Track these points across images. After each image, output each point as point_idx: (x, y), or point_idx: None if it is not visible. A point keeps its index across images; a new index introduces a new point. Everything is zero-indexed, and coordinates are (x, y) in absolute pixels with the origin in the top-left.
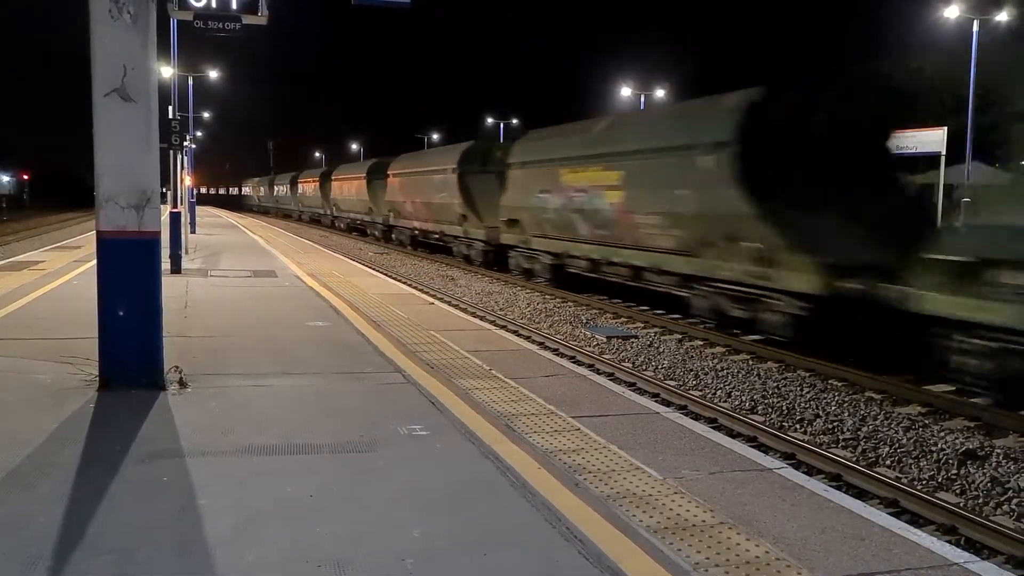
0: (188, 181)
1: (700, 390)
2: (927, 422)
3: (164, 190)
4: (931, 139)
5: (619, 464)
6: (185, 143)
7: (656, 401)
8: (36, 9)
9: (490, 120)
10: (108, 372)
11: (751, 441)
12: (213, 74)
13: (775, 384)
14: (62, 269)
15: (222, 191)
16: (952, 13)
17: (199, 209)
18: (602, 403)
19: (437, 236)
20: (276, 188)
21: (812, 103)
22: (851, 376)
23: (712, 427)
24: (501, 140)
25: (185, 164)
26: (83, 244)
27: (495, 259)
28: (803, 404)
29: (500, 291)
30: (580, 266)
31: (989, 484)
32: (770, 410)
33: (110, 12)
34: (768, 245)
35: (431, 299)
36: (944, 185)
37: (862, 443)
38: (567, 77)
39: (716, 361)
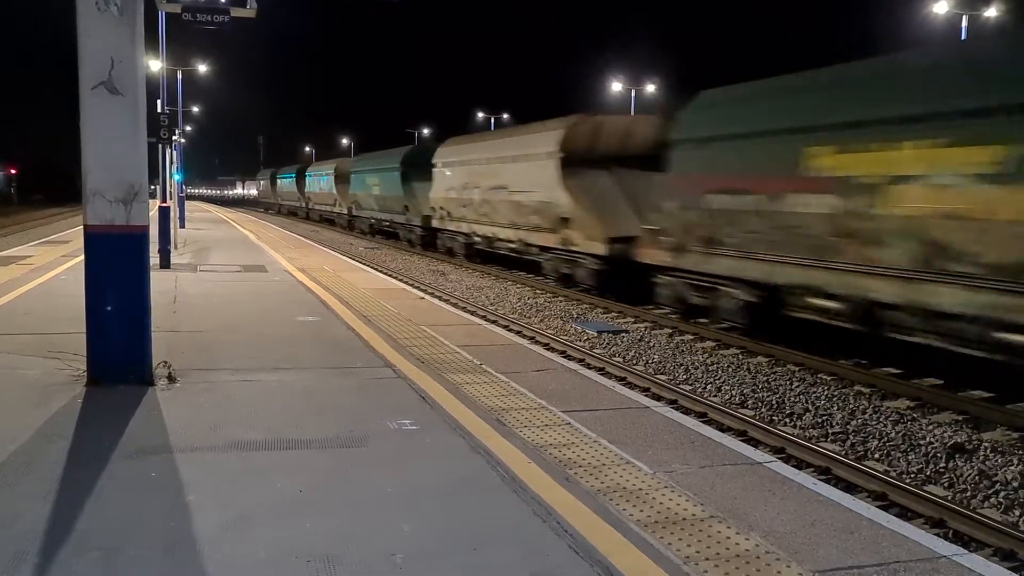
0: (177, 176)
1: (690, 384)
2: (915, 416)
3: (153, 186)
4: None
5: (609, 458)
6: (174, 137)
7: (646, 395)
8: (23, 2)
9: (480, 115)
10: (96, 367)
11: (741, 435)
12: (202, 68)
13: (765, 378)
14: (50, 264)
15: (215, 188)
16: (941, 8)
17: (188, 204)
18: (593, 398)
19: (515, 246)
20: (279, 183)
21: None
22: (840, 370)
23: (702, 421)
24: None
25: (174, 159)
26: (71, 239)
27: (621, 284)
28: (793, 398)
29: (491, 286)
30: (830, 311)
31: (977, 477)
32: (760, 404)
33: (96, 5)
34: None
35: (421, 294)
36: None
37: (851, 437)
38: (557, 73)
39: (706, 356)
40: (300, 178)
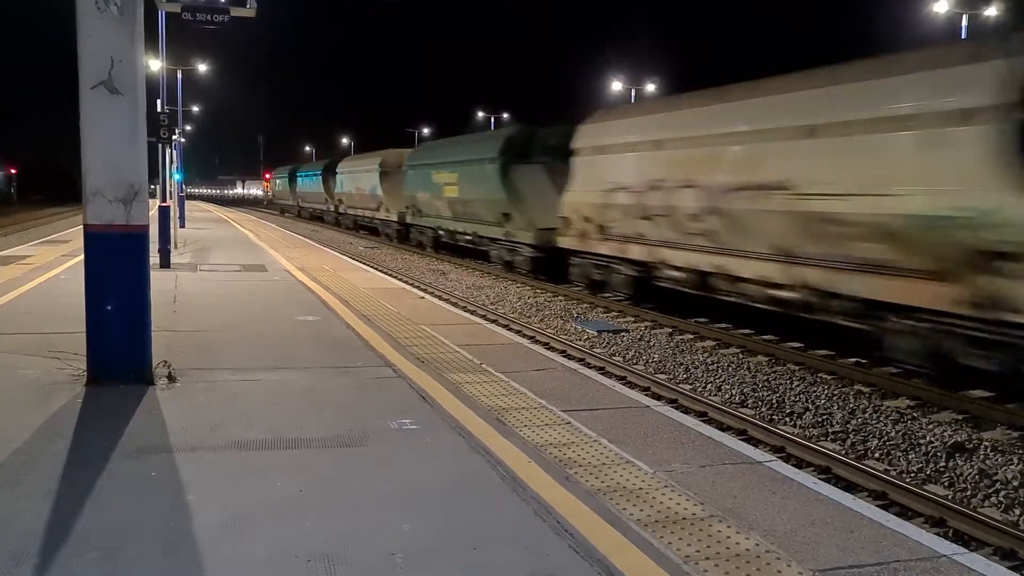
0: (177, 175)
1: (690, 384)
2: (915, 415)
3: (153, 186)
4: None
5: (609, 458)
6: (174, 137)
7: (647, 395)
8: (23, 2)
9: (481, 114)
10: (96, 367)
11: (741, 434)
12: (202, 68)
13: (765, 377)
14: (50, 263)
15: (215, 188)
16: (942, 8)
17: (188, 204)
18: (593, 397)
19: (788, 295)
20: (299, 182)
21: None
22: (840, 369)
23: (702, 420)
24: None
25: (174, 158)
26: (71, 239)
27: None
28: (793, 397)
29: (491, 285)
30: None
31: (977, 476)
32: (760, 403)
33: (96, 4)
34: None
35: (421, 293)
36: None
37: (851, 436)
38: (557, 73)
39: (706, 355)
40: (328, 176)
